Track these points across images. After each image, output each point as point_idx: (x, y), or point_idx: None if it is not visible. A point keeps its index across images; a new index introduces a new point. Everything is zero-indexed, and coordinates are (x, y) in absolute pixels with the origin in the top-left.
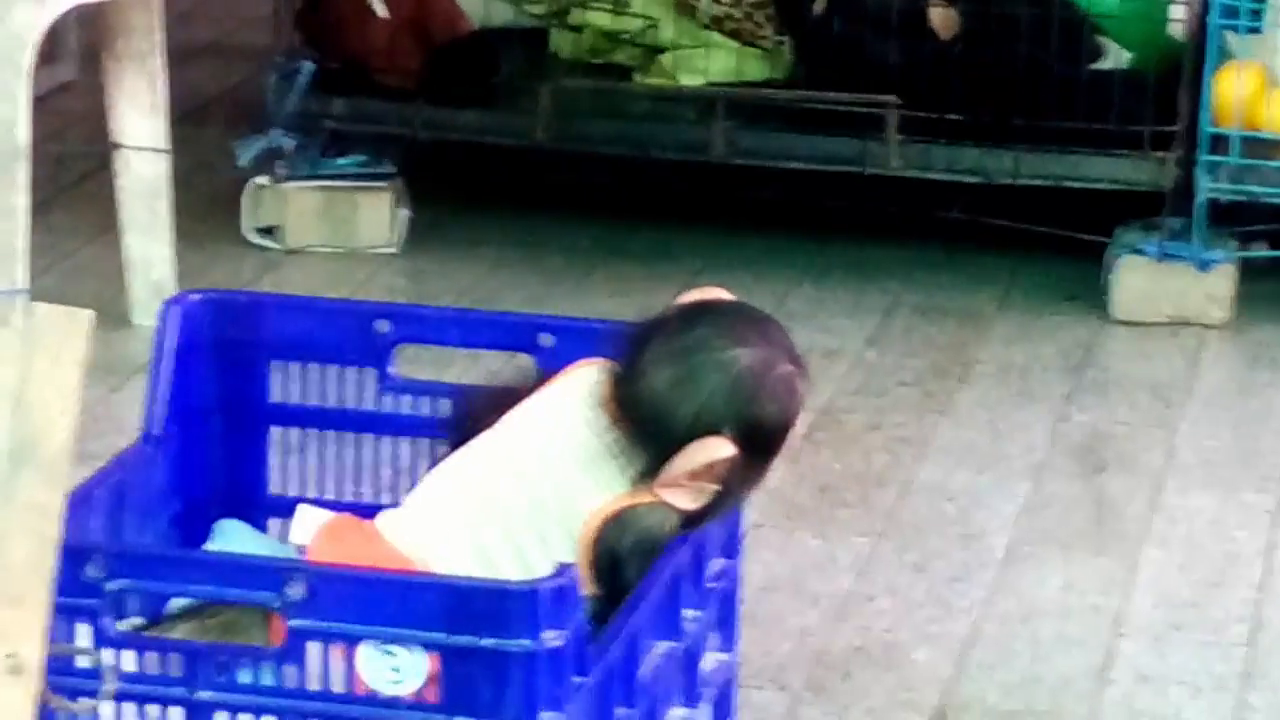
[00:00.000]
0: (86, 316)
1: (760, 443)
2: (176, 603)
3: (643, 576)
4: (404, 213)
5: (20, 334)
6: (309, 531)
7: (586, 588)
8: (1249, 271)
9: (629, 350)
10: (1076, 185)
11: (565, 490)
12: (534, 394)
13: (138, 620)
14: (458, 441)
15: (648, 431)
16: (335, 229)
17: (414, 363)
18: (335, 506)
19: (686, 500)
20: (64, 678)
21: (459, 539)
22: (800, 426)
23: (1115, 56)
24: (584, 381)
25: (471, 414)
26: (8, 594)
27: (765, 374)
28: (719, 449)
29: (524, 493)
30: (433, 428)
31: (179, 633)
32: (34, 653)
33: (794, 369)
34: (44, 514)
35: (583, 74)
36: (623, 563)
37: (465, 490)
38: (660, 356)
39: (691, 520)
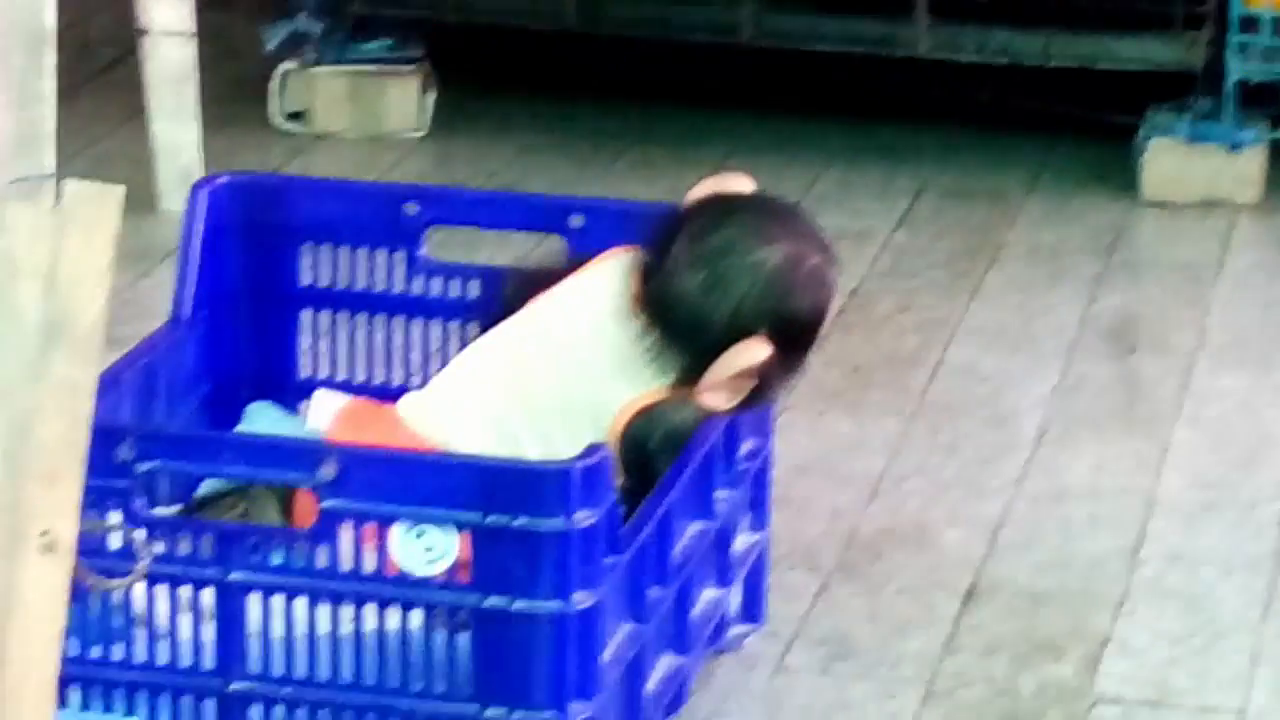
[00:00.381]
0: (117, 192)
1: (796, 337)
2: (197, 493)
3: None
4: (431, 96)
5: (50, 212)
6: (327, 417)
7: (614, 479)
8: (1279, 152)
9: (657, 248)
10: (1107, 66)
11: (598, 390)
12: (561, 282)
13: (176, 508)
14: (487, 324)
15: (681, 336)
16: (363, 113)
17: (443, 245)
18: (363, 390)
19: (724, 401)
20: (97, 559)
21: (483, 425)
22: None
23: None
24: (614, 274)
25: (503, 296)
26: (41, 472)
27: (796, 270)
28: (757, 352)
29: (554, 384)
30: (463, 310)
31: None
32: (68, 530)
33: (822, 259)
34: (76, 391)
35: None
36: (652, 457)
37: (492, 376)
38: (690, 260)
39: (744, 411)
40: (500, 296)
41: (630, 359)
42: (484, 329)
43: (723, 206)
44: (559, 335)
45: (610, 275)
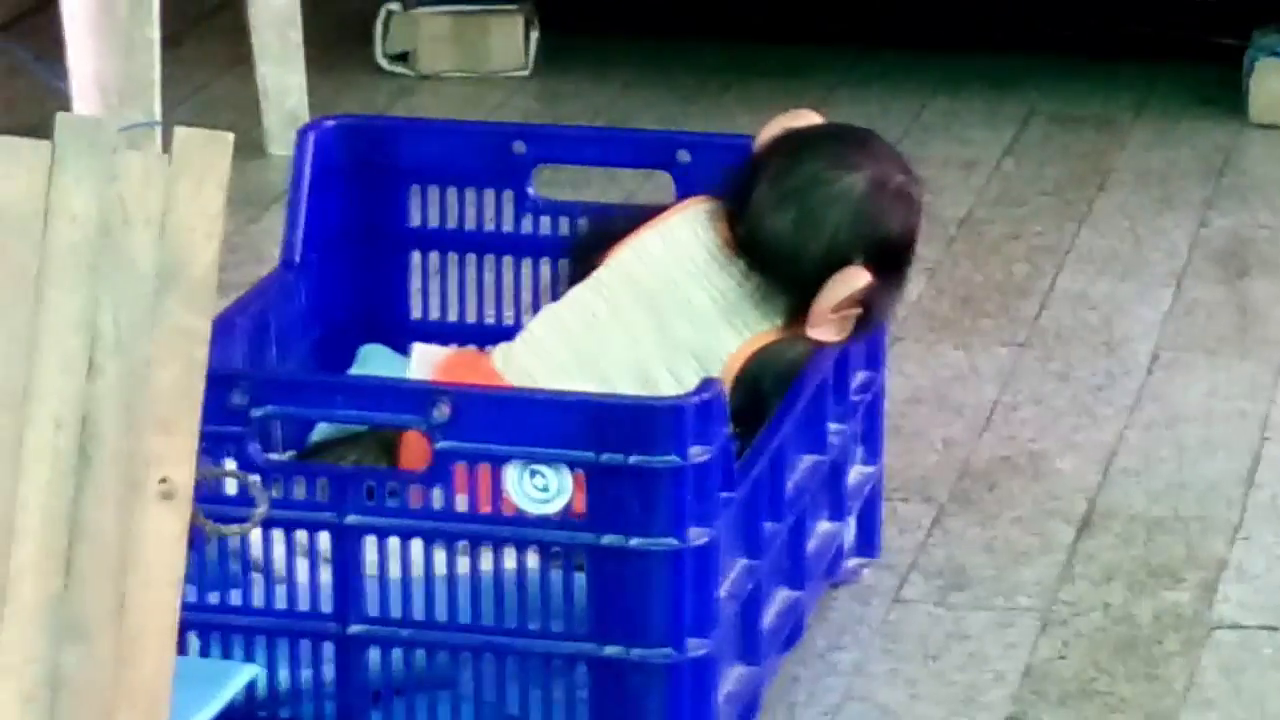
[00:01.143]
0: (227, 139)
1: (892, 260)
2: (310, 439)
3: None
4: (535, 35)
5: (161, 159)
6: (426, 370)
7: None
8: None
9: (738, 192)
10: None
11: (706, 339)
12: (639, 234)
13: (291, 454)
14: (576, 272)
15: (781, 276)
16: (467, 53)
17: (551, 184)
18: (475, 331)
19: (834, 333)
20: (213, 506)
21: (582, 372)
22: (940, 239)
23: None
24: (700, 223)
25: (592, 241)
26: (159, 419)
27: (882, 193)
28: (858, 278)
29: (656, 337)
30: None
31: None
32: (185, 477)
33: (906, 178)
34: (191, 338)
35: None
36: (767, 400)
37: (588, 331)
38: (775, 200)
39: (855, 339)
40: (590, 241)
41: (735, 305)
42: (573, 277)
43: (799, 141)
44: (653, 286)
45: (696, 224)
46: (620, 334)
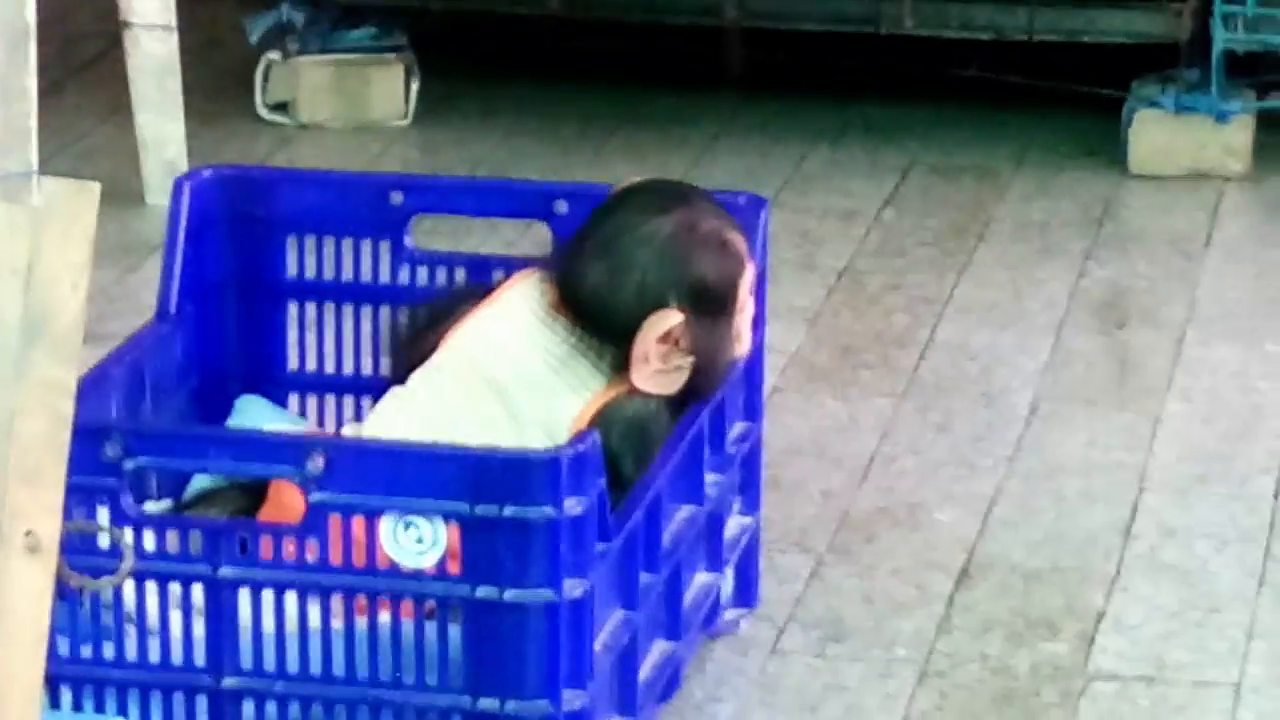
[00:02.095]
0: (94, 189)
1: (710, 301)
2: (194, 486)
3: (640, 465)
4: (416, 85)
5: (28, 210)
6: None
7: None
8: (1266, 122)
9: (562, 257)
10: (1092, 39)
11: (542, 395)
12: (472, 314)
13: (167, 503)
14: (400, 365)
15: (602, 327)
16: (348, 103)
17: (433, 234)
18: (351, 383)
19: (664, 384)
20: (86, 558)
21: None
22: (819, 289)
23: None
24: (527, 292)
25: (413, 335)
26: (23, 471)
27: (691, 234)
28: (667, 318)
29: (500, 401)
30: None
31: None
32: (51, 530)
33: (720, 223)
34: (57, 390)
35: None
36: (617, 457)
37: (433, 413)
38: (590, 252)
39: (696, 395)
40: (411, 335)
41: (569, 366)
42: (396, 370)
43: (614, 196)
44: (492, 361)
45: (526, 293)
46: (468, 413)
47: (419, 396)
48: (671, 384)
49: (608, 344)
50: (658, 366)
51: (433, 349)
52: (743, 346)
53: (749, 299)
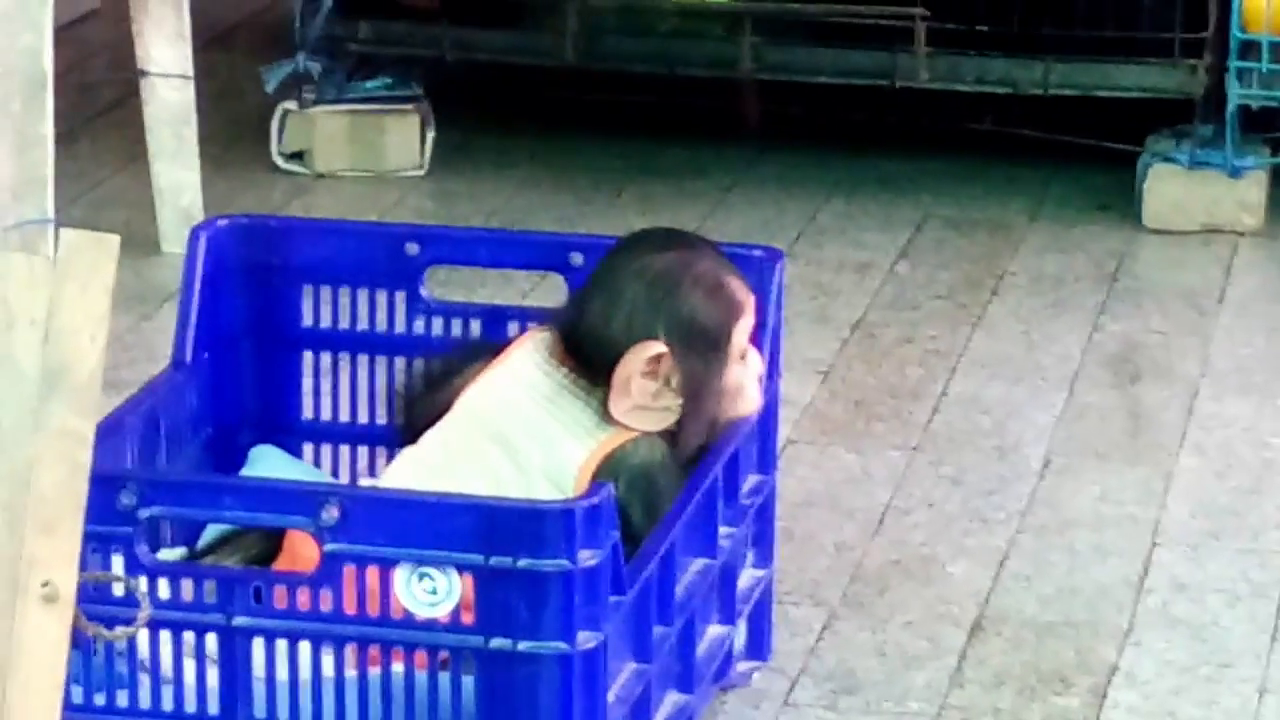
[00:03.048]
0: (113, 241)
1: (700, 340)
2: (209, 533)
3: (650, 513)
4: (431, 134)
5: (46, 261)
6: None
7: None
8: None
9: (566, 306)
10: (1107, 94)
11: (546, 445)
12: (492, 366)
13: (181, 550)
14: (412, 424)
15: (595, 362)
16: (363, 152)
17: (448, 284)
18: (366, 432)
19: (651, 421)
20: (100, 606)
21: None
22: (833, 342)
23: None
24: (533, 345)
25: (424, 393)
26: (41, 522)
27: (683, 272)
28: (650, 348)
29: (507, 455)
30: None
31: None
32: (68, 580)
33: (716, 264)
34: (75, 441)
35: None
36: (625, 506)
37: (448, 463)
38: (588, 293)
39: (684, 441)
40: (416, 396)
41: (573, 415)
42: (405, 432)
43: (616, 245)
44: (500, 417)
45: (532, 347)
46: (479, 471)
47: (430, 456)
48: (652, 421)
49: (597, 378)
50: (641, 401)
51: (445, 408)
52: (752, 403)
53: (751, 351)
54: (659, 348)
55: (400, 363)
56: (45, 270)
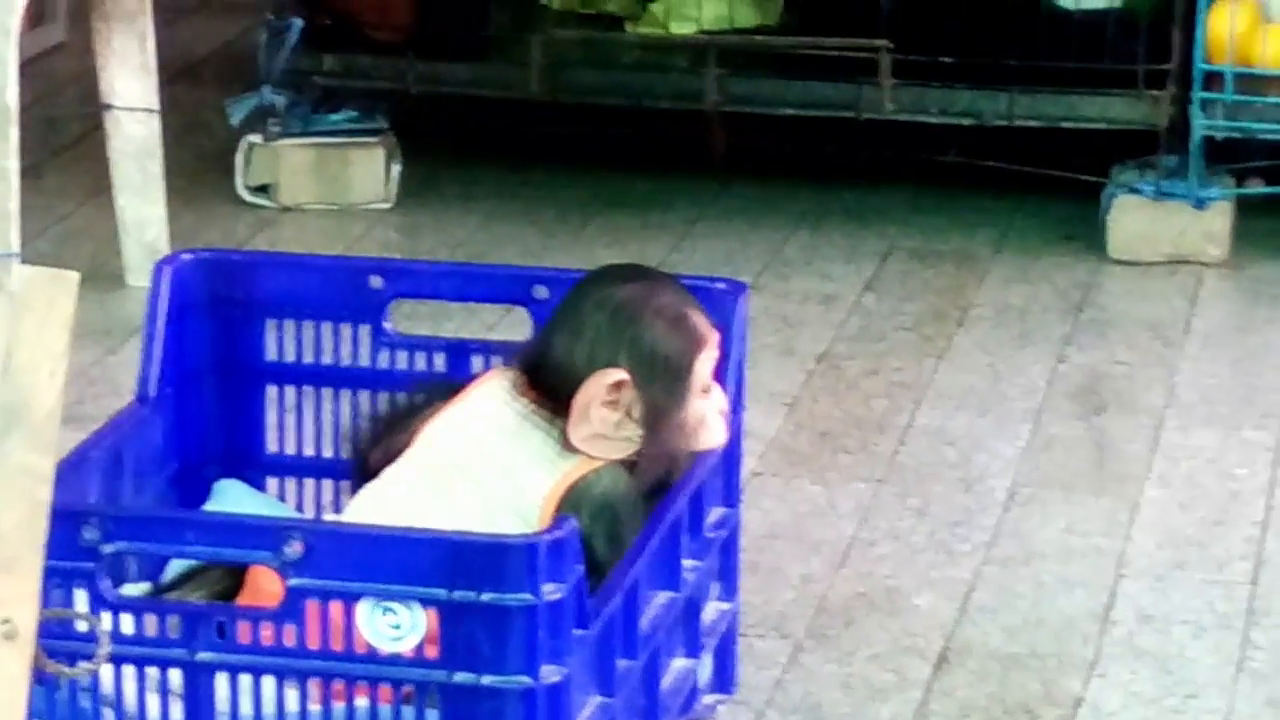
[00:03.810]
0: (72, 278)
1: (661, 371)
2: (174, 567)
3: (613, 544)
4: (397, 168)
5: (7, 297)
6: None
7: None
8: (1245, 208)
9: (528, 341)
10: (1071, 125)
11: (508, 476)
12: (447, 407)
13: (146, 585)
14: (375, 461)
15: (557, 392)
16: (328, 185)
17: (410, 318)
18: (330, 466)
19: (611, 450)
20: (62, 642)
21: None
22: (799, 374)
23: None
24: (495, 380)
25: (386, 431)
26: (1, 560)
27: (645, 303)
28: (609, 375)
29: (469, 488)
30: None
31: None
32: (28, 618)
33: (679, 300)
34: (35, 478)
35: (574, 24)
36: (589, 538)
37: (409, 498)
38: (551, 328)
39: (644, 472)
40: (378, 434)
41: (537, 445)
42: (356, 482)
43: (578, 280)
44: (463, 450)
45: (494, 383)
46: (442, 504)
47: (392, 490)
48: (612, 450)
49: (560, 408)
50: (601, 430)
51: (405, 446)
52: (716, 437)
53: (713, 385)
54: (620, 374)
55: (364, 396)
56: (4, 307)
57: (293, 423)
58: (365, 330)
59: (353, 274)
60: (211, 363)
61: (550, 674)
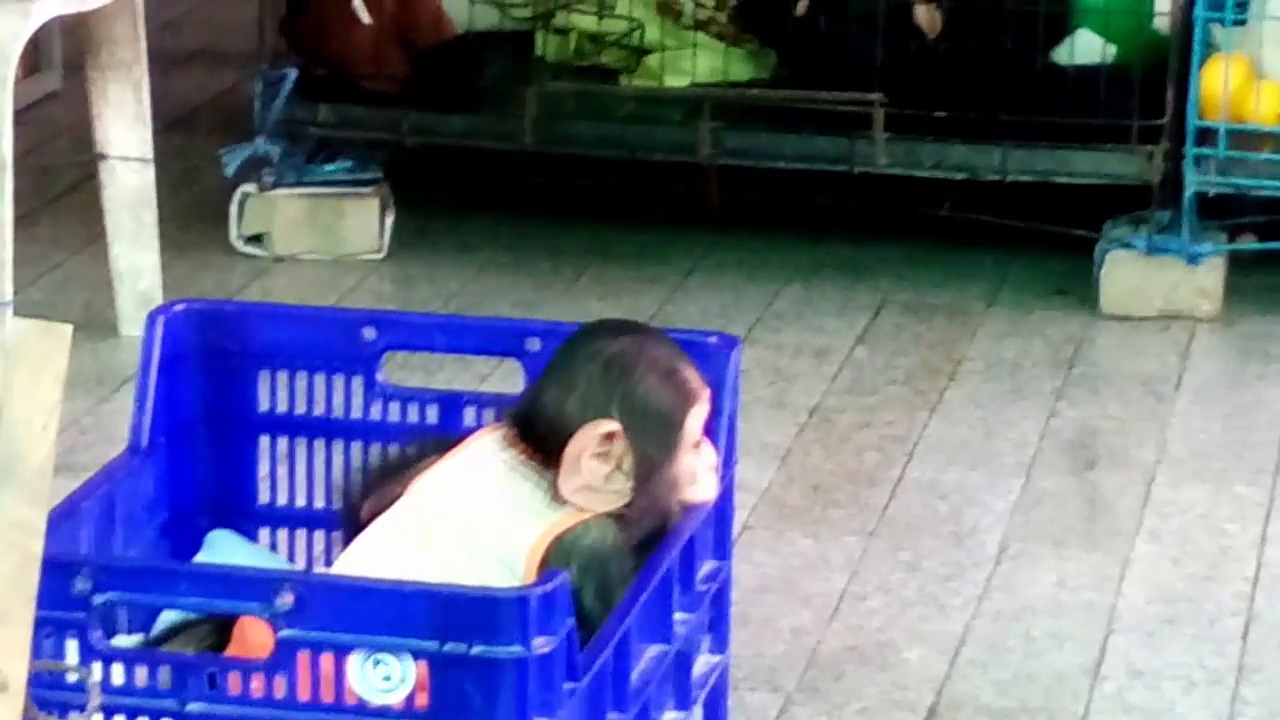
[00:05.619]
0: (65, 331)
1: (653, 425)
2: (165, 619)
3: (602, 596)
4: (390, 218)
5: (0, 348)
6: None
7: None
8: (1237, 264)
9: (523, 396)
10: (1064, 180)
11: (503, 537)
12: (438, 461)
13: (137, 637)
14: (366, 514)
15: (548, 444)
16: (322, 236)
17: (403, 369)
18: (322, 517)
19: (601, 502)
20: (53, 692)
21: None
22: (790, 427)
23: (1102, 51)
24: (487, 435)
25: (377, 485)
26: None
27: (637, 357)
28: (601, 426)
29: (458, 540)
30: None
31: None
32: (19, 670)
33: (671, 354)
34: (27, 531)
35: (568, 77)
36: (578, 590)
37: (400, 548)
38: (544, 381)
39: (634, 525)
40: (369, 488)
41: (525, 496)
42: (346, 534)
43: (571, 335)
44: (452, 501)
45: (486, 438)
46: (429, 554)
47: (381, 543)
48: (600, 503)
49: (549, 460)
50: (591, 482)
51: (397, 497)
52: (707, 492)
53: (705, 441)
54: (612, 425)
55: (356, 448)
56: None
57: (285, 473)
58: (358, 381)
59: (346, 325)
60: (204, 413)
61: None
